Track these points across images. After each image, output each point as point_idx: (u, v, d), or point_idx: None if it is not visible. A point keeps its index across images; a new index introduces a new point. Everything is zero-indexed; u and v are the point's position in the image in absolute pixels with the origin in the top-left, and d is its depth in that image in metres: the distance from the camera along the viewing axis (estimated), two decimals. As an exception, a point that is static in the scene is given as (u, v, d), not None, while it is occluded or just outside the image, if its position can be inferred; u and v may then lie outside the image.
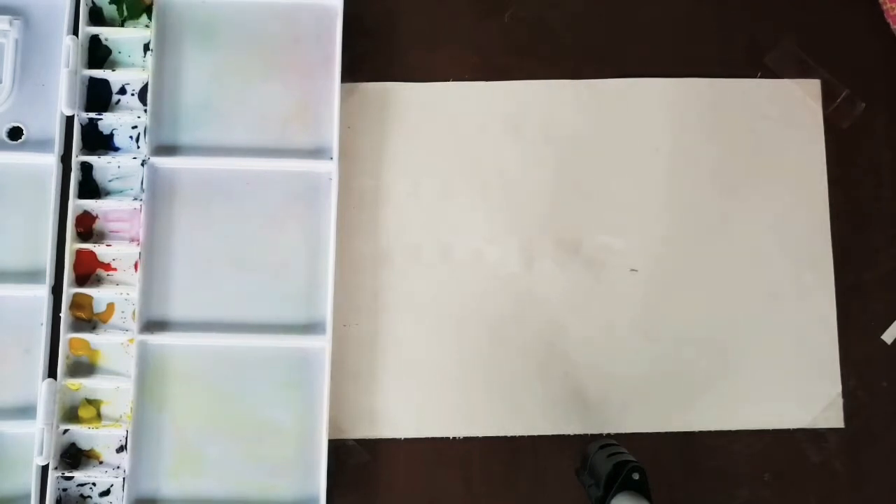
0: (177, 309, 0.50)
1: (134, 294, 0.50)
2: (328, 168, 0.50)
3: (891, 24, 0.53)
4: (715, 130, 0.53)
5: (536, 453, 0.50)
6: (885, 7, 0.53)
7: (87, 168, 0.51)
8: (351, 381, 0.50)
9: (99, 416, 0.50)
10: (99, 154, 0.51)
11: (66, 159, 0.50)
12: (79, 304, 0.50)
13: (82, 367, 0.50)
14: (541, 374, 0.51)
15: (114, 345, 0.50)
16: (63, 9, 0.51)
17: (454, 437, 0.50)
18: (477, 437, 0.50)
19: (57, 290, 0.50)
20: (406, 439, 0.50)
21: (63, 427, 0.49)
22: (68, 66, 0.50)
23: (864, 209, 0.53)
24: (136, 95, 0.51)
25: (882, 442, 0.51)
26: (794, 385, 0.51)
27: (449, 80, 0.53)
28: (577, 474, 0.49)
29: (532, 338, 0.51)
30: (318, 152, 0.51)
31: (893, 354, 0.52)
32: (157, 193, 0.51)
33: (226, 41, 0.52)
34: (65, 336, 0.49)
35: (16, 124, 0.51)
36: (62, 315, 0.49)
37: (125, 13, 0.52)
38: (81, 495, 0.49)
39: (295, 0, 0.52)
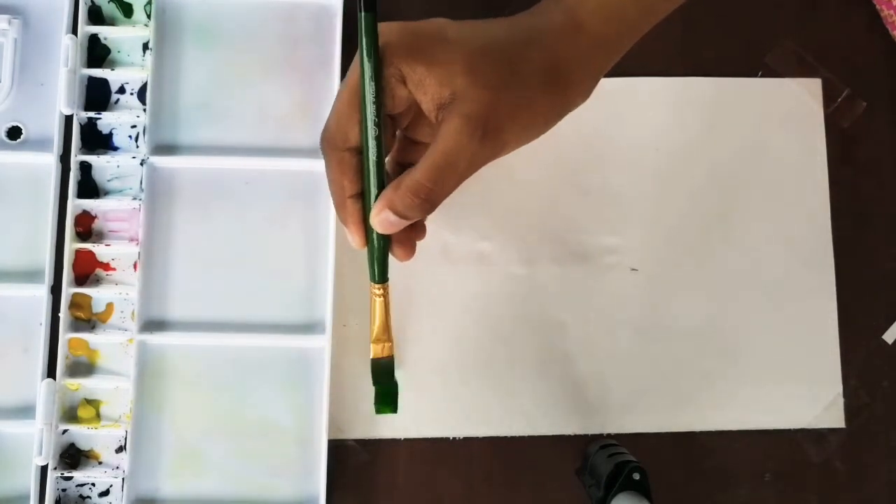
0: (176, 309, 0.50)
1: (133, 294, 0.50)
2: (328, 167, 0.50)
3: (890, 30, 0.53)
4: (715, 130, 0.53)
5: (536, 453, 0.50)
6: (882, 14, 0.53)
7: (86, 167, 0.51)
8: (351, 381, 0.50)
9: (98, 417, 0.49)
10: (98, 153, 0.50)
11: (65, 159, 0.50)
12: (78, 303, 0.50)
13: (81, 367, 0.50)
14: (541, 374, 0.51)
15: (113, 345, 0.50)
16: (62, 8, 0.51)
17: (454, 437, 0.50)
18: (477, 437, 0.50)
19: (56, 290, 0.50)
20: (406, 439, 0.50)
21: (62, 427, 0.49)
22: (67, 66, 0.49)
23: (865, 209, 0.53)
24: (135, 95, 0.51)
25: (882, 442, 0.51)
26: (794, 385, 0.51)
27: (449, 80, 0.53)
28: (577, 474, 0.49)
29: (532, 337, 0.51)
30: (317, 151, 0.50)
31: (894, 354, 0.52)
32: (156, 193, 0.51)
33: (225, 41, 0.52)
34: (64, 336, 0.49)
35: (15, 124, 0.51)
36: (61, 315, 0.49)
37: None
38: (81, 495, 0.49)
39: (294, 0, 0.52)
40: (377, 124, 0.39)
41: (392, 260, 0.42)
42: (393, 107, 0.40)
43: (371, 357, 0.43)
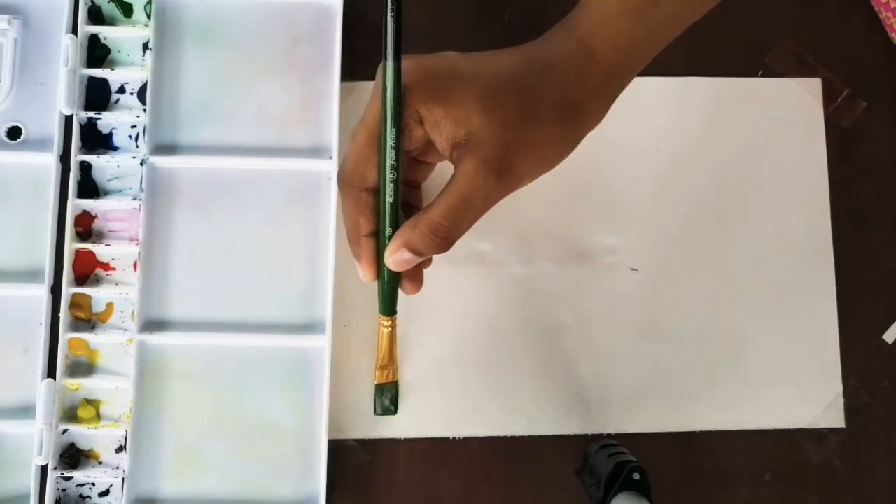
0: (176, 309, 0.50)
1: (133, 294, 0.50)
2: (328, 167, 0.50)
3: (888, 32, 0.53)
4: (716, 130, 0.53)
5: (536, 453, 0.50)
6: (881, 16, 0.53)
7: (86, 167, 0.51)
8: (351, 381, 0.50)
9: (98, 416, 0.49)
10: (98, 153, 0.50)
11: (65, 159, 0.50)
12: (78, 303, 0.50)
13: (81, 367, 0.50)
14: (541, 374, 0.51)
15: (113, 345, 0.50)
16: (62, 8, 0.51)
17: (454, 437, 0.50)
18: (477, 437, 0.50)
19: (56, 290, 0.50)
20: (406, 439, 0.50)
21: (62, 427, 0.49)
22: (67, 66, 0.49)
23: (865, 209, 0.53)
24: (135, 94, 0.51)
25: (882, 442, 0.51)
26: (794, 385, 0.51)
27: (449, 80, 0.53)
28: (577, 474, 0.49)
29: (532, 338, 0.51)
30: (317, 151, 0.51)
31: (894, 354, 0.52)
32: (156, 193, 0.51)
33: (225, 41, 0.52)
34: (64, 336, 0.49)
35: (15, 124, 0.51)
36: (61, 315, 0.49)
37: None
38: (81, 495, 0.49)
39: (294, 0, 0.52)
40: (395, 168, 0.39)
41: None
42: (409, 146, 0.40)
43: (375, 382, 0.45)
